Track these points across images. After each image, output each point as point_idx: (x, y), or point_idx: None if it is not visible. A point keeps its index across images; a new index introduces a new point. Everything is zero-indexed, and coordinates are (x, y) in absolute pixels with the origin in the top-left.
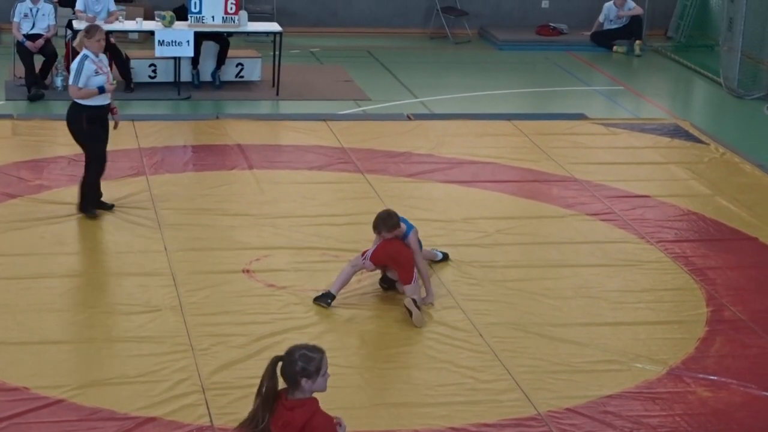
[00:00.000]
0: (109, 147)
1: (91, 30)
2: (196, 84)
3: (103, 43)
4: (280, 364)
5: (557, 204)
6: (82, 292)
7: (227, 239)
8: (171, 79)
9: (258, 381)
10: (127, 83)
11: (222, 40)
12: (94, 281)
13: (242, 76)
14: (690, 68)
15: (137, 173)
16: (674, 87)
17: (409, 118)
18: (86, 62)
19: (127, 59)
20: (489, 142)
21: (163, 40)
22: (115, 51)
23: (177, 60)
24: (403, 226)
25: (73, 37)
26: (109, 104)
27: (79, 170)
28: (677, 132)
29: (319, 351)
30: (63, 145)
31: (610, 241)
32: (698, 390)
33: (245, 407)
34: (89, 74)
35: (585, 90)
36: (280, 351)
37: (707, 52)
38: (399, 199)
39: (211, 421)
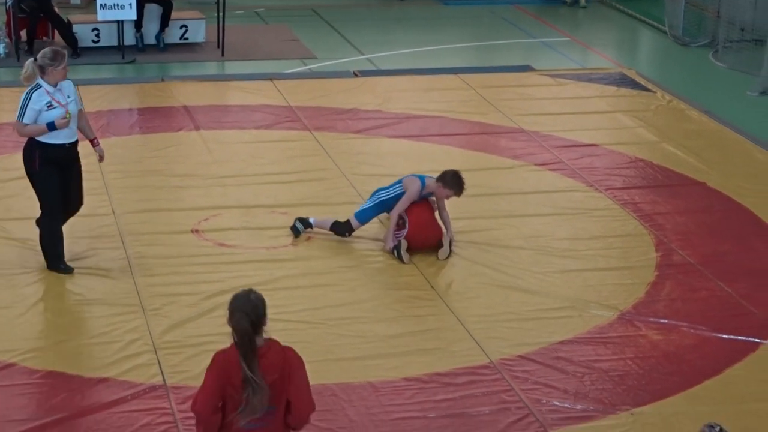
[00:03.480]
0: None
1: (57, 57)
2: (141, 47)
3: (67, 71)
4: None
5: (506, 155)
6: (31, 257)
7: (175, 200)
8: (115, 43)
9: (209, 338)
10: (73, 49)
11: (165, 2)
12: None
13: (186, 38)
14: (635, 17)
15: (83, 137)
16: (620, 37)
17: (355, 75)
18: (34, 94)
19: (70, 24)
20: (436, 96)
21: (105, 4)
22: (56, 17)
23: (120, 23)
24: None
25: (15, 4)
26: (75, 142)
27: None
28: (624, 81)
29: (252, 290)
30: (7, 111)
31: (559, 191)
32: (649, 333)
33: (197, 365)
34: (39, 108)
35: (531, 42)
36: None
37: (652, 1)
38: (347, 156)
39: (163, 379)
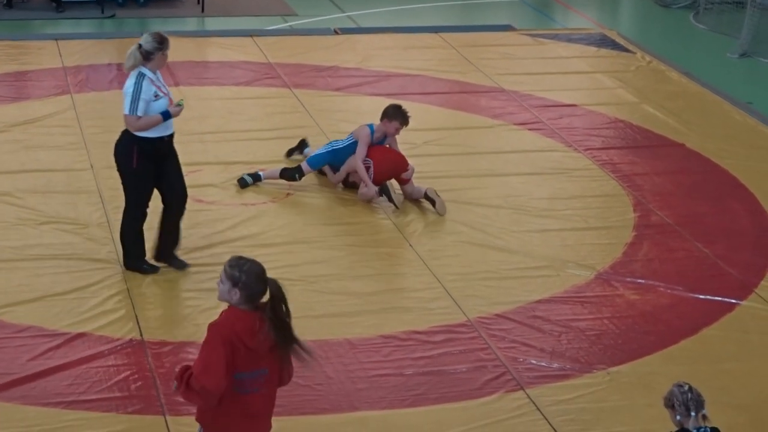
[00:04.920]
0: (33, 66)
1: (164, 41)
2: (120, 2)
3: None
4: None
5: (485, 114)
6: (9, 211)
7: None
8: None
9: (187, 294)
10: (57, 3)
11: None
12: (20, 199)
13: None
14: None
15: (62, 92)
16: None
17: (336, 32)
18: (144, 83)
19: None
20: (416, 54)
21: None
22: None
23: None
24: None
25: None
26: (172, 134)
27: (2, 89)
28: (604, 42)
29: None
30: None
31: (538, 150)
32: (626, 293)
33: (175, 321)
34: (148, 98)
35: (512, 2)
36: (210, 264)
37: None
38: (327, 113)
39: (140, 334)
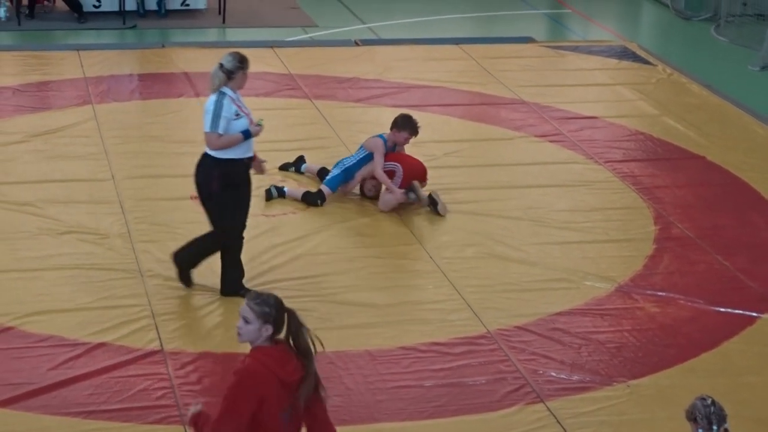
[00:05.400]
0: (54, 76)
1: (244, 60)
2: (142, 13)
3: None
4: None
5: (505, 126)
6: (30, 221)
7: (175, 166)
8: (116, 8)
9: (207, 305)
10: (78, 13)
11: None
12: (41, 209)
13: (188, 5)
14: None
15: (83, 102)
16: (622, 9)
17: (356, 43)
18: (225, 101)
19: None
20: (437, 66)
21: None
22: None
23: None
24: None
25: None
26: (252, 157)
27: (24, 99)
28: (625, 54)
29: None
30: (7, 75)
31: (559, 162)
32: (646, 306)
33: (195, 331)
34: (229, 117)
35: (533, 14)
36: None
37: None
38: (347, 124)
39: (161, 345)
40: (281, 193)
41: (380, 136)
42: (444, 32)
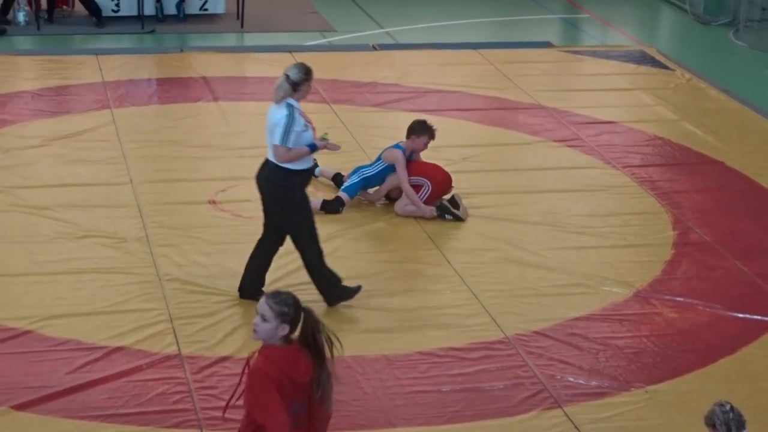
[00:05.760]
0: (73, 81)
1: (309, 72)
2: (160, 17)
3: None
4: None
5: (523, 131)
6: (49, 225)
7: (193, 170)
8: (134, 12)
9: (225, 309)
10: (97, 18)
11: None
12: (59, 213)
13: (206, 9)
14: None
15: (101, 107)
16: (640, 14)
17: (374, 48)
18: (296, 114)
19: None
20: (455, 71)
21: None
22: None
23: None
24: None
25: None
26: (315, 166)
27: (43, 104)
28: (643, 58)
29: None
30: (26, 79)
31: (577, 167)
32: (665, 311)
33: (212, 336)
34: (300, 130)
35: (551, 18)
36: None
37: None
38: (365, 129)
39: (179, 349)
40: None
41: (397, 146)
42: (462, 37)
